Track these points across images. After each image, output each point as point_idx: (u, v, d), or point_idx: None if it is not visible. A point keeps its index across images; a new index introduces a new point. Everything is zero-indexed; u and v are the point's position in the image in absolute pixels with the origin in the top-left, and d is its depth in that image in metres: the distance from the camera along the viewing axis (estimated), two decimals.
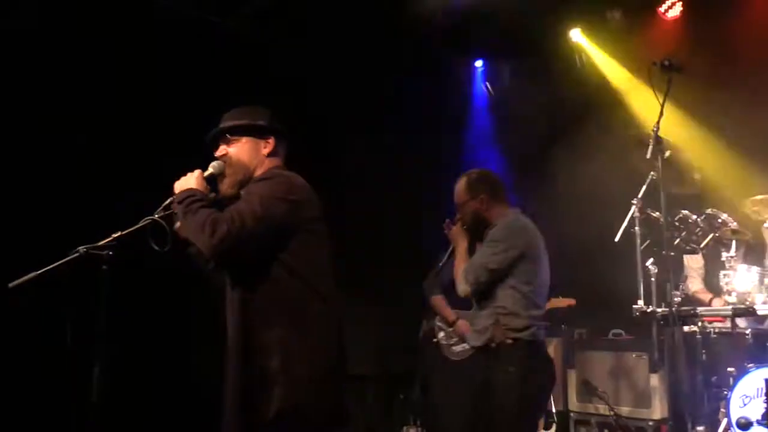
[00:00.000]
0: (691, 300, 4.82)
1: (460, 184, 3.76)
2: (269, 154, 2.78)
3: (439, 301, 5.39)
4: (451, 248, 3.86)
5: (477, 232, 3.71)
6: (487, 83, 7.08)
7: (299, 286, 2.56)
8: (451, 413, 3.93)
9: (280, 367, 2.47)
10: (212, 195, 2.71)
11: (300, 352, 2.50)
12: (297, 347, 2.50)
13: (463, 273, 3.62)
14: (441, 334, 5.43)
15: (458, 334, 5.23)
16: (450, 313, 5.31)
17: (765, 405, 3.95)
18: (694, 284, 5.01)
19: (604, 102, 5.93)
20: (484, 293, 3.59)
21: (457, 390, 4.08)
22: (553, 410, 5.62)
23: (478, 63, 7.01)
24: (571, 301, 5.36)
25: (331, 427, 2.60)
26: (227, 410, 2.53)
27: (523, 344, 3.48)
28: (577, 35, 6.37)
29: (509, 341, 3.48)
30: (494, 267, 3.51)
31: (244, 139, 2.78)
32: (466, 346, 4.78)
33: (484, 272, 3.53)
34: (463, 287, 3.63)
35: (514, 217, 3.67)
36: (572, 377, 5.80)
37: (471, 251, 3.74)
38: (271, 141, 2.79)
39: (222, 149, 2.79)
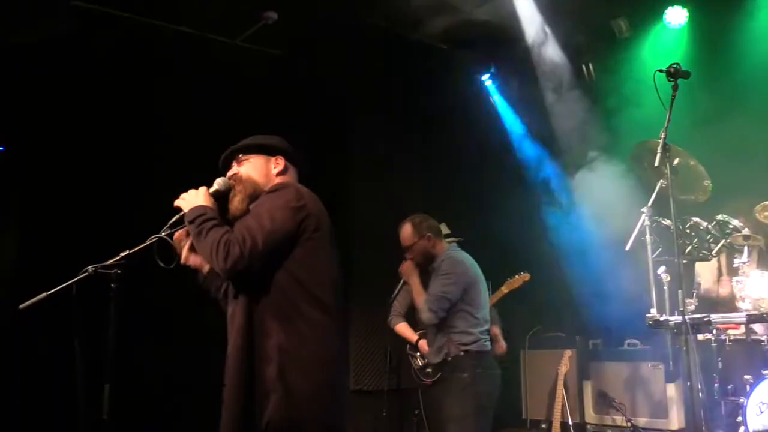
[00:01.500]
0: (707, 302, 4.76)
1: (407, 228, 4.48)
2: (279, 173, 2.83)
3: (403, 327, 5.54)
4: (402, 283, 4.69)
5: (425, 267, 4.43)
6: (493, 96, 7.08)
7: (301, 294, 2.56)
8: None
9: (277, 375, 2.46)
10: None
11: (297, 360, 2.49)
12: (295, 356, 2.49)
13: (425, 304, 4.26)
14: (413, 361, 5.54)
15: (422, 352, 5.40)
16: (413, 335, 5.47)
17: None
18: (707, 285, 4.95)
19: (612, 110, 5.91)
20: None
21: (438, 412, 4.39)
22: (570, 423, 5.57)
23: (485, 76, 7.01)
24: (526, 277, 5.32)
25: None
26: (224, 418, 2.52)
27: (472, 354, 4.17)
28: (583, 46, 6.37)
29: (461, 353, 4.17)
30: (451, 297, 4.22)
31: (254, 158, 2.84)
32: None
33: (445, 302, 4.21)
34: (427, 315, 4.26)
35: (456, 253, 4.45)
36: (588, 388, 5.76)
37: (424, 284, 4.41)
38: (281, 160, 2.84)
39: (233, 169, 2.84)
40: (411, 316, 5.58)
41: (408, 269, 4.49)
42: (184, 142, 5.07)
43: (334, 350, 2.59)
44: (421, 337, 5.46)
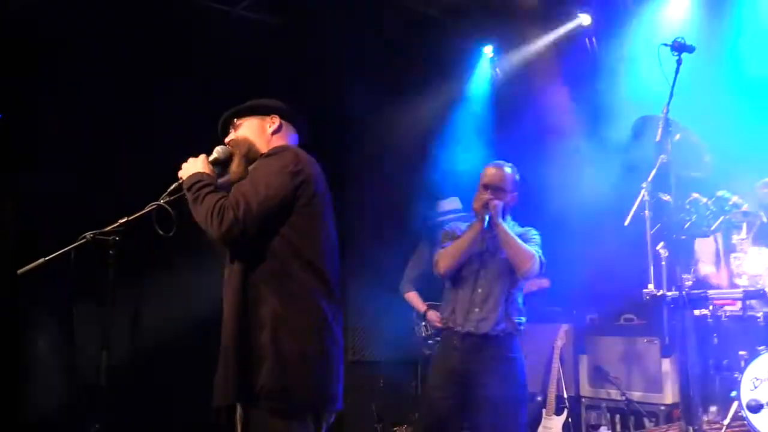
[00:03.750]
0: (703, 283, 4.79)
1: (509, 173, 3.98)
2: (275, 131, 2.82)
3: (413, 296, 5.64)
4: (486, 220, 3.83)
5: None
6: (497, 69, 7.02)
7: (295, 261, 2.54)
8: (430, 406, 3.94)
9: (270, 341, 2.46)
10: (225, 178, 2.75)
11: (291, 327, 2.49)
12: (288, 322, 2.49)
13: (539, 256, 3.85)
14: (417, 329, 5.61)
15: (432, 325, 5.42)
16: (421, 305, 5.50)
17: None
18: (706, 268, 4.98)
19: (617, 83, 5.88)
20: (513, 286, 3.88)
21: (436, 382, 3.94)
22: (565, 395, 5.62)
23: (488, 48, 6.93)
24: (544, 282, 5.32)
25: (321, 409, 2.56)
26: (216, 383, 2.53)
27: (520, 335, 3.91)
28: (586, 19, 6.30)
29: (514, 332, 3.86)
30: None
31: (248, 120, 2.83)
32: (438, 338, 4.95)
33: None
34: (536, 267, 3.82)
35: None
36: (584, 362, 5.79)
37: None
38: (276, 119, 2.83)
39: (230, 135, 2.84)
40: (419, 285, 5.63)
41: (497, 208, 3.83)
42: (182, 110, 5.03)
43: (328, 317, 2.58)
44: (429, 308, 5.51)
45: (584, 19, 6.23)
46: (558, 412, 5.47)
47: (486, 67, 6.99)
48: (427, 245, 5.65)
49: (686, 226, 4.27)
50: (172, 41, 5.23)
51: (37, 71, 4.70)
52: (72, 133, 4.83)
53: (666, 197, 4.13)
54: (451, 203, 5.59)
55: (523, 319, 3.92)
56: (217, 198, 2.53)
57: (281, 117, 2.84)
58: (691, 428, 3.77)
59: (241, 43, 5.55)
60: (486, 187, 3.92)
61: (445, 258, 3.91)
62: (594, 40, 6.33)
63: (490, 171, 3.97)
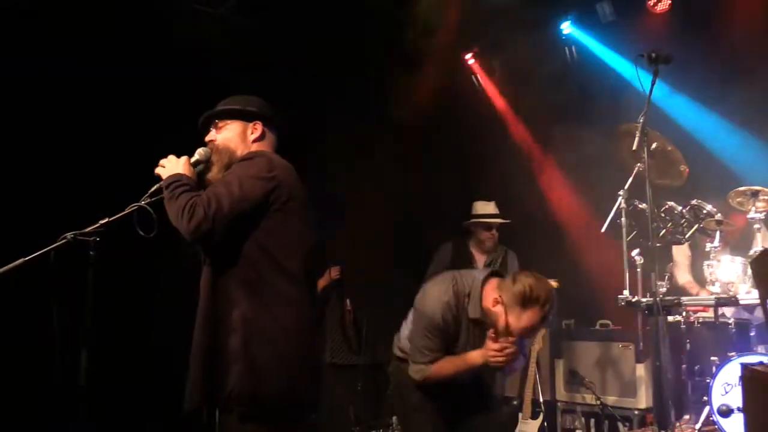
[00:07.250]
0: (678, 290, 4.87)
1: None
2: (256, 139, 2.81)
3: None
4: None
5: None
6: (476, 75, 7.06)
7: (268, 265, 2.53)
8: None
9: (241, 345, 2.46)
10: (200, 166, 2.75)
11: (263, 331, 2.48)
12: (260, 326, 2.48)
13: None
14: None
15: None
16: None
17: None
18: (683, 276, 5.07)
19: (594, 93, 5.95)
20: None
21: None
22: (540, 400, 5.67)
23: (468, 55, 6.98)
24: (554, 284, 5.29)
25: (293, 414, 2.56)
26: (187, 387, 2.52)
27: None
28: (568, 27, 6.38)
29: None
30: None
31: (231, 124, 2.82)
32: None
33: None
34: None
35: None
36: (559, 367, 5.85)
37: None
38: (259, 126, 2.82)
39: (211, 134, 2.83)
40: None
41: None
42: (163, 111, 5.02)
43: (302, 321, 2.57)
44: None
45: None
46: (534, 416, 5.52)
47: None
48: (451, 246, 5.58)
49: (661, 233, 4.35)
50: (157, 42, 5.21)
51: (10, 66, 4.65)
52: (54, 132, 4.80)
53: (642, 205, 4.21)
54: (486, 206, 5.48)
55: None
56: (191, 196, 2.53)
57: (264, 123, 2.83)
58: None
59: (225, 43, 5.55)
60: (518, 335, 3.06)
61: (431, 379, 3.22)
62: (573, 49, 6.39)
63: (533, 323, 3.03)
